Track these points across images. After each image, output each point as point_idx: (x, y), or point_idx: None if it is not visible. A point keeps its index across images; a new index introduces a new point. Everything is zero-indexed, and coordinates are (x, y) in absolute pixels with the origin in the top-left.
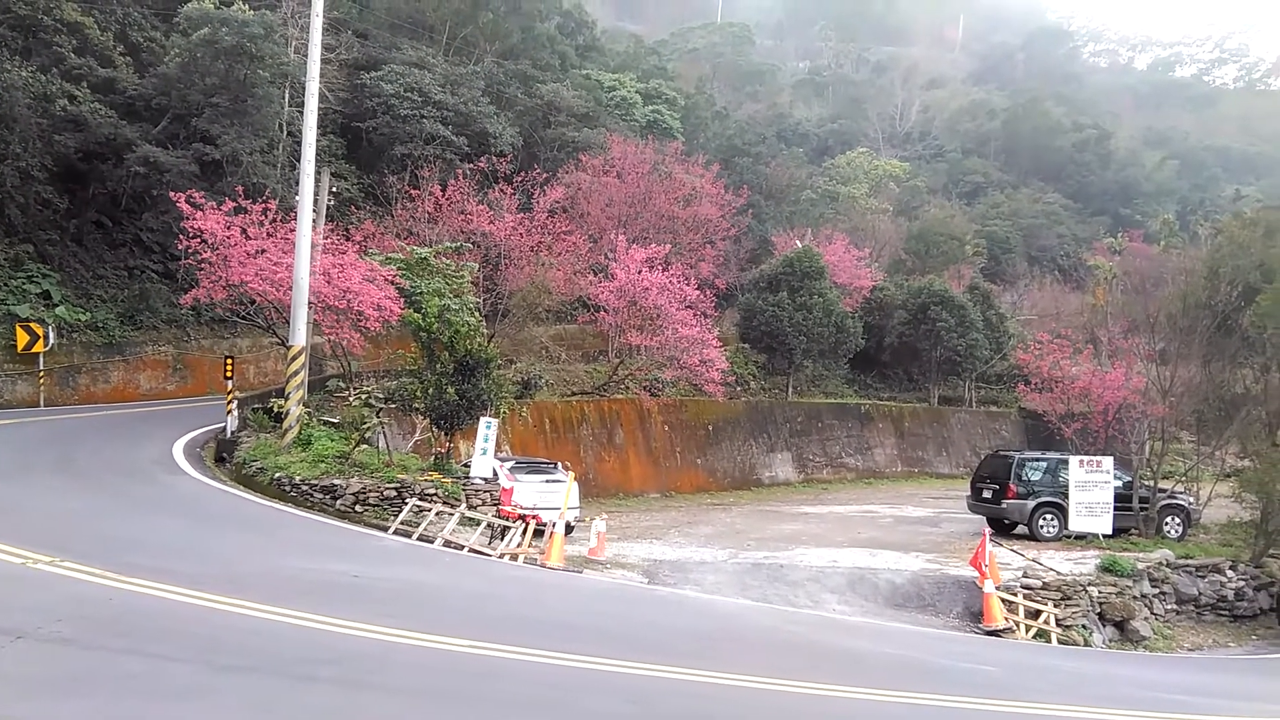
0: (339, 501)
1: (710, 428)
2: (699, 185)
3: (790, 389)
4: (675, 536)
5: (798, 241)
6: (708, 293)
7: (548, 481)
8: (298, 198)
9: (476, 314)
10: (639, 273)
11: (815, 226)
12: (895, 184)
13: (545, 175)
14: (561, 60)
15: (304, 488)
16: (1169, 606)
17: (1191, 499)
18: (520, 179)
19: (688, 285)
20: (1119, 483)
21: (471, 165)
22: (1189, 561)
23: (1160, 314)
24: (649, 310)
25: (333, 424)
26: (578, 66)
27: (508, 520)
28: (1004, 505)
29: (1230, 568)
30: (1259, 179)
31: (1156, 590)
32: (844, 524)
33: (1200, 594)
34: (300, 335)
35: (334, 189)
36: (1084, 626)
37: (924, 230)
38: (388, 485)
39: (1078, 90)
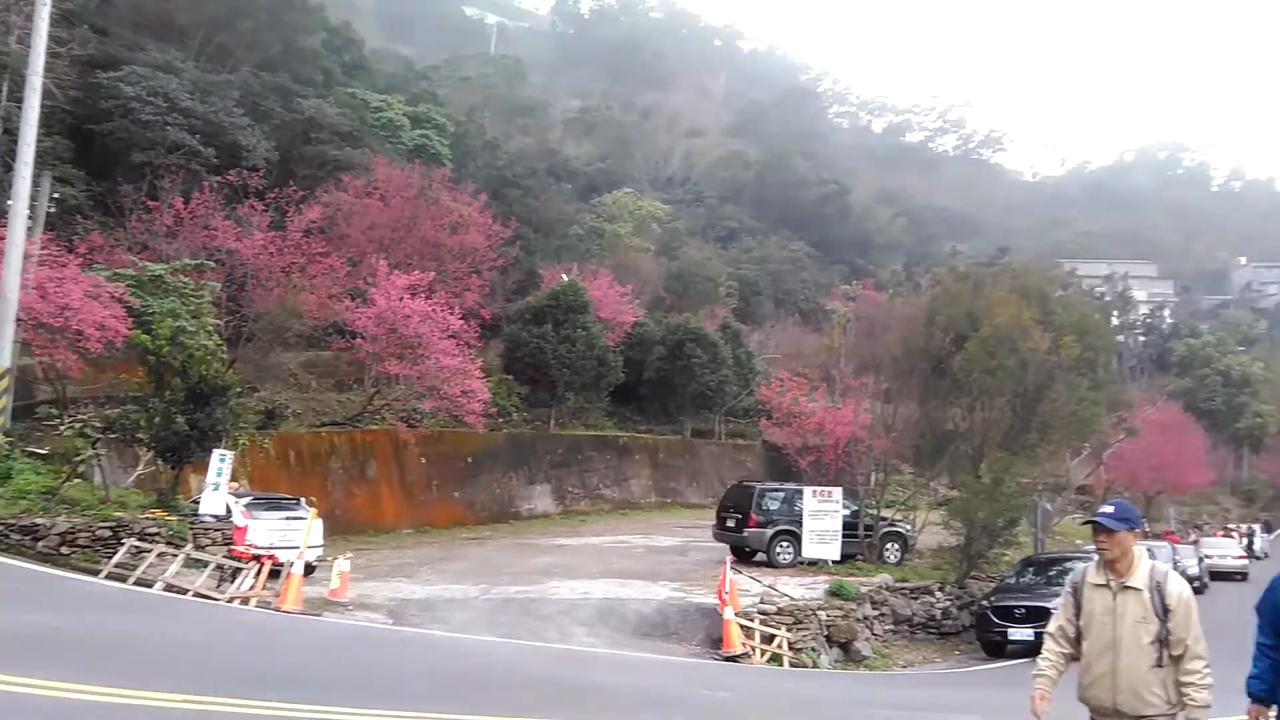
0: (41, 543)
1: (470, 460)
2: (467, 214)
3: (553, 421)
4: (426, 574)
5: (564, 275)
6: (472, 323)
7: (288, 519)
8: (10, 202)
9: (216, 337)
10: (400, 299)
11: (582, 261)
12: (658, 224)
13: (302, 193)
14: (326, 76)
15: None
16: (887, 627)
17: (909, 526)
18: (274, 195)
19: (452, 314)
20: (847, 511)
21: (220, 178)
22: (905, 584)
23: (885, 356)
24: (409, 339)
25: (40, 456)
26: (343, 84)
27: (240, 561)
28: (745, 534)
29: (939, 589)
30: (972, 238)
31: (877, 612)
32: (598, 555)
33: (914, 614)
34: (4, 355)
35: (56, 194)
36: (813, 649)
37: (683, 270)
38: (101, 524)
39: (822, 147)
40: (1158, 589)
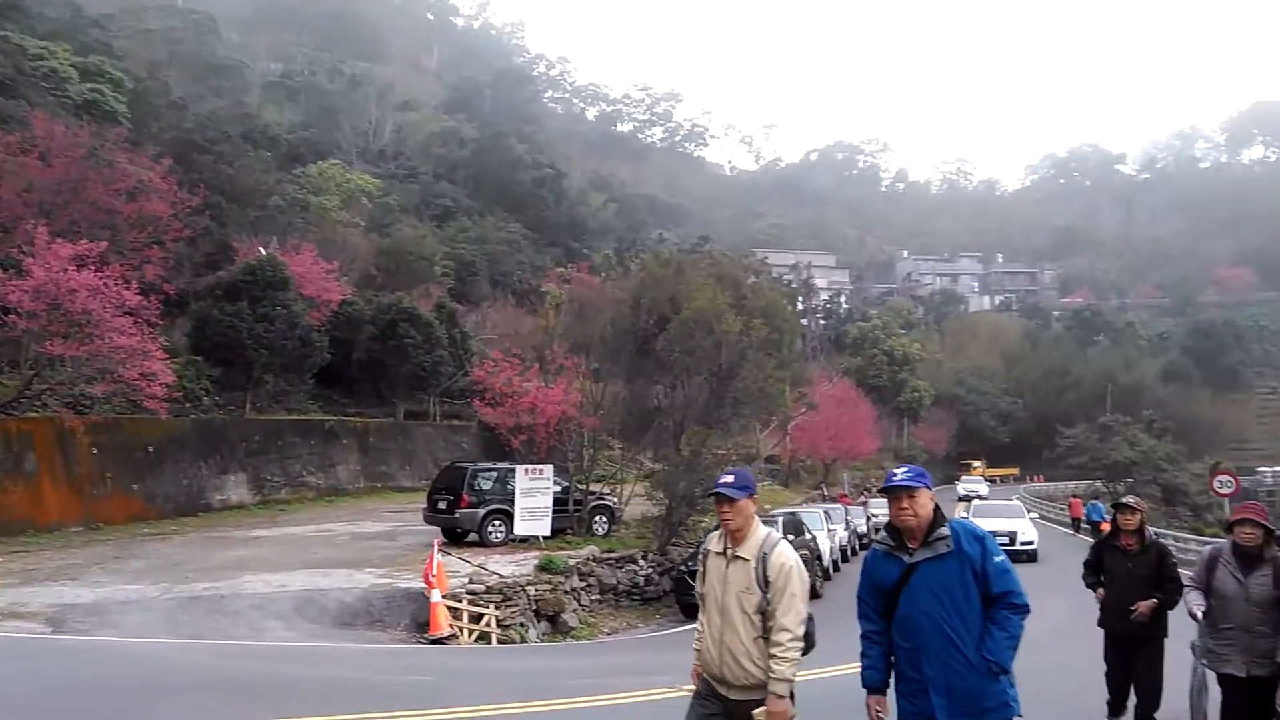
0: None
1: (151, 449)
2: (148, 178)
3: (249, 405)
4: (98, 574)
5: (262, 249)
6: (153, 299)
7: None
8: None
9: None
10: (65, 271)
11: (283, 235)
12: (368, 199)
13: None
14: None
15: None
16: (594, 597)
17: (616, 499)
18: None
19: (128, 289)
20: (559, 488)
21: None
22: (611, 554)
23: (596, 337)
24: (77, 316)
25: None
26: None
27: None
28: (457, 515)
29: (642, 557)
30: (677, 226)
31: (584, 583)
32: (299, 545)
33: (619, 583)
34: None
35: None
36: (522, 624)
37: (395, 248)
38: None
39: (538, 131)
40: (763, 560)
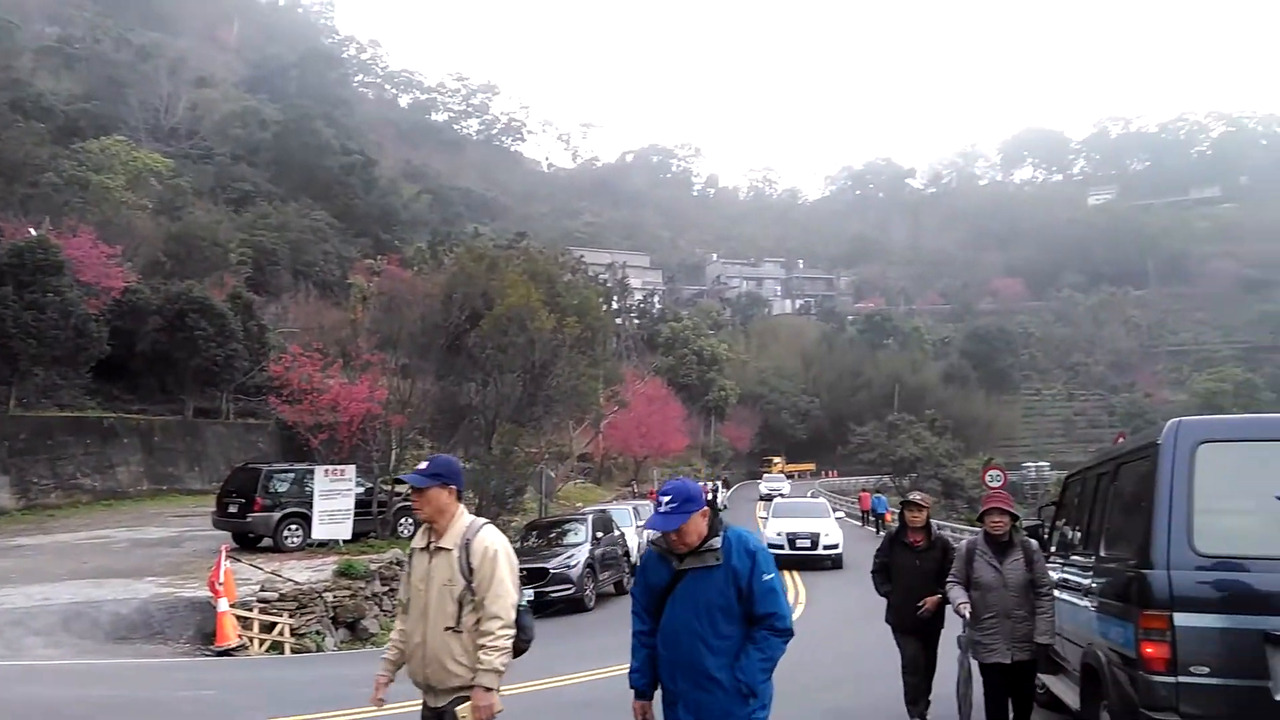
0: None
1: None
2: None
3: (13, 401)
4: None
5: (32, 230)
6: None
7: None
8: None
9: None
10: None
11: (58, 215)
12: (157, 180)
13: None
14: None
15: None
16: (397, 601)
17: None
18: None
19: None
20: (361, 489)
21: None
22: None
23: (405, 332)
24: None
25: None
26: None
27: None
28: (250, 519)
29: None
30: (493, 220)
31: (387, 588)
32: (70, 554)
33: None
34: None
35: None
36: (318, 632)
37: (187, 233)
38: None
39: (347, 116)
40: (465, 547)
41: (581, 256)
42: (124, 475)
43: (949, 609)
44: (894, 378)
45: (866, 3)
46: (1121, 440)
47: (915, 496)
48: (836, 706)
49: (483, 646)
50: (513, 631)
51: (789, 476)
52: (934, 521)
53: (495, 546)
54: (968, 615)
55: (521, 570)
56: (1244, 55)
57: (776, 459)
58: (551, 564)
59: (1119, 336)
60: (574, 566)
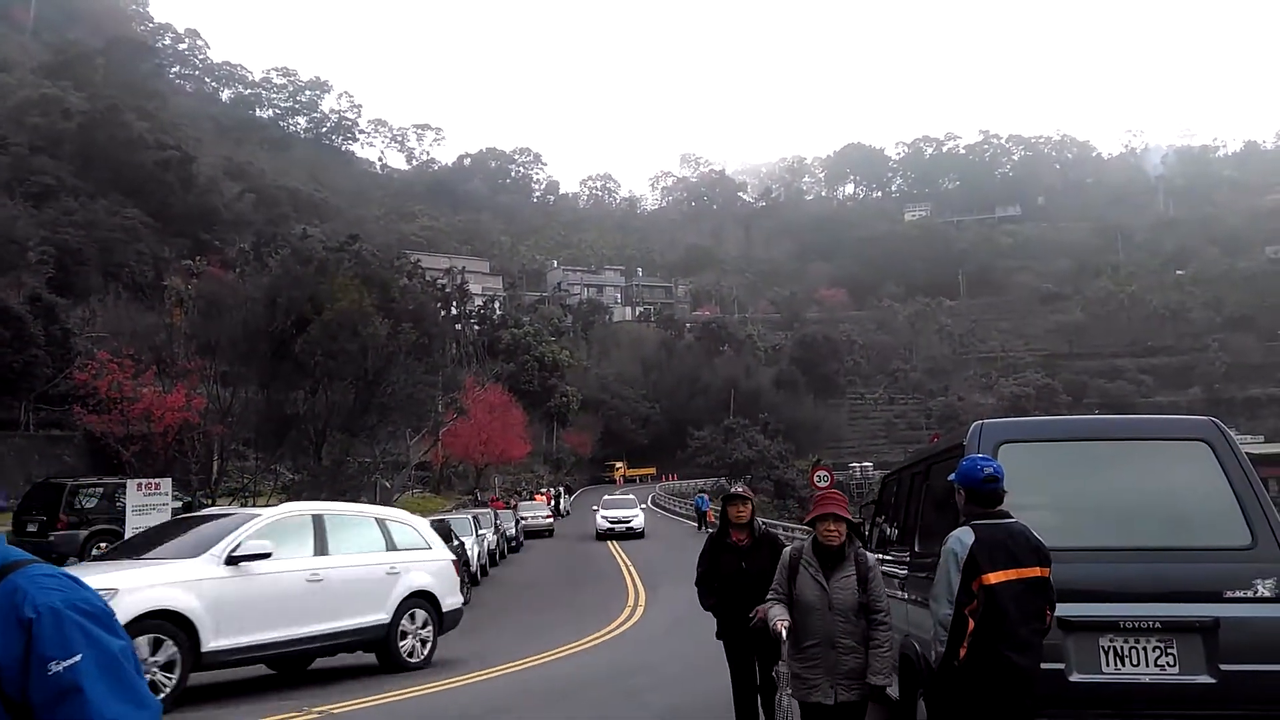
0: None
1: None
2: None
3: None
4: None
5: None
6: None
7: None
8: None
9: None
10: None
11: None
12: None
13: None
14: None
15: None
16: None
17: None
18: None
19: None
20: (179, 504)
21: None
22: None
23: (226, 337)
24: None
25: None
26: None
27: None
28: (52, 538)
29: None
30: (324, 222)
31: None
32: None
33: None
34: None
35: None
36: None
37: None
38: None
39: (162, 108)
40: None
41: (418, 261)
42: None
43: None
44: (730, 383)
45: (697, 16)
46: (935, 441)
47: (738, 489)
48: (670, 705)
49: None
50: None
51: (631, 480)
52: (760, 520)
53: None
54: (785, 638)
55: None
56: (1043, 78)
57: (619, 464)
58: None
59: (934, 344)
60: None
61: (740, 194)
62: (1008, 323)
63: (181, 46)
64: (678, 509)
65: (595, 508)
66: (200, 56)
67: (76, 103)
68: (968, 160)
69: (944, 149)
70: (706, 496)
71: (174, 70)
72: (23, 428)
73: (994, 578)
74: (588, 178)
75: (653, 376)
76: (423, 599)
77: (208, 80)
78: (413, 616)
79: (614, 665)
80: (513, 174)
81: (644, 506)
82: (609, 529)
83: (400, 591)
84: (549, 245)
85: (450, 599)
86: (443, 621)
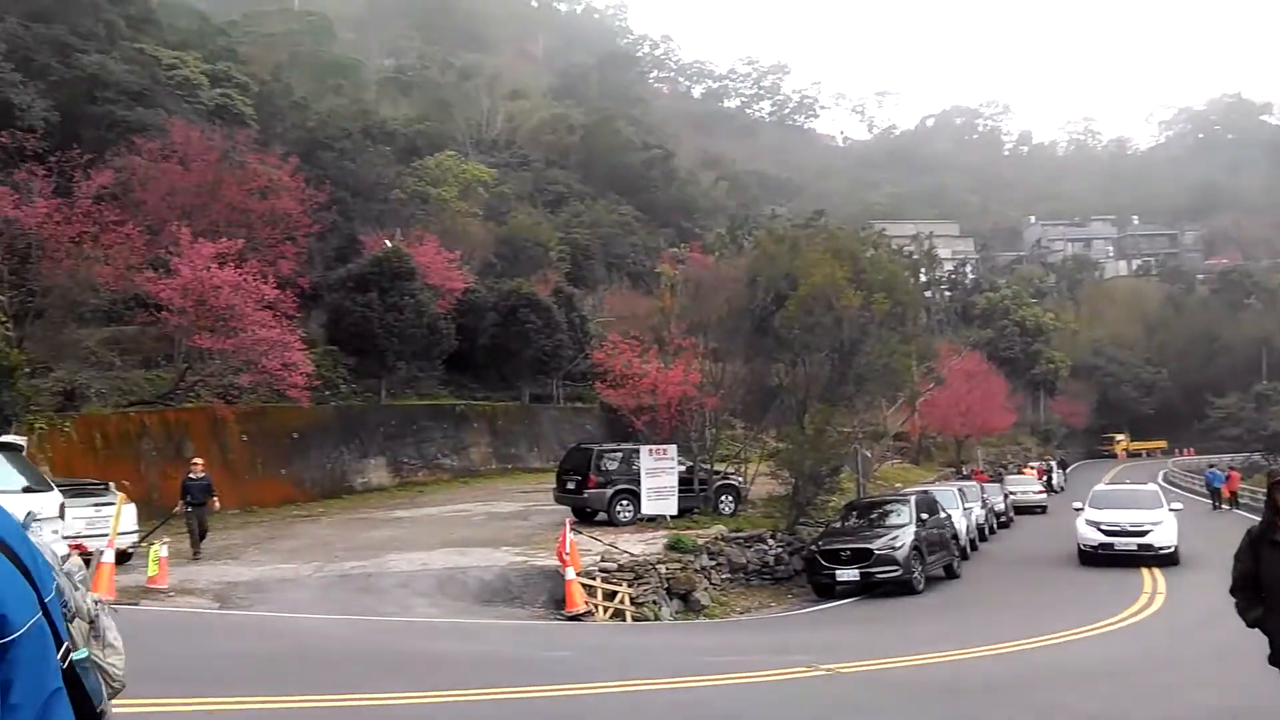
0: None
1: (296, 435)
2: (277, 177)
3: (384, 392)
4: (254, 554)
5: (387, 241)
6: (289, 292)
7: (97, 505)
8: None
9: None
10: (208, 269)
11: (406, 227)
12: (484, 189)
13: (89, 157)
14: (109, 30)
15: None
16: (724, 575)
17: (741, 479)
18: (57, 159)
19: (266, 284)
20: (683, 468)
21: None
22: (739, 534)
23: (712, 317)
24: (221, 310)
25: None
26: (130, 39)
27: None
28: (586, 495)
29: (771, 536)
30: (790, 200)
31: (714, 562)
32: (438, 525)
33: (748, 562)
34: None
35: None
36: (654, 602)
37: (512, 235)
38: None
39: (646, 112)
40: None
41: (884, 230)
42: (475, 455)
43: None
44: (1260, 341)
45: None
46: None
47: None
48: (1224, 707)
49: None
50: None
51: (1136, 455)
52: None
53: None
54: None
55: (845, 550)
56: None
57: (1120, 436)
58: (876, 544)
59: None
60: (899, 548)
61: (1263, 118)
62: None
63: (657, 52)
64: (1182, 484)
65: (1078, 506)
66: (674, 59)
67: (578, 118)
68: None
69: None
70: (1220, 471)
71: (652, 75)
72: (555, 401)
73: None
74: (1065, 123)
75: (1157, 338)
76: None
77: (681, 80)
78: None
79: (1142, 656)
80: (980, 129)
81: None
82: (1104, 545)
83: None
84: (1023, 200)
85: None
86: None
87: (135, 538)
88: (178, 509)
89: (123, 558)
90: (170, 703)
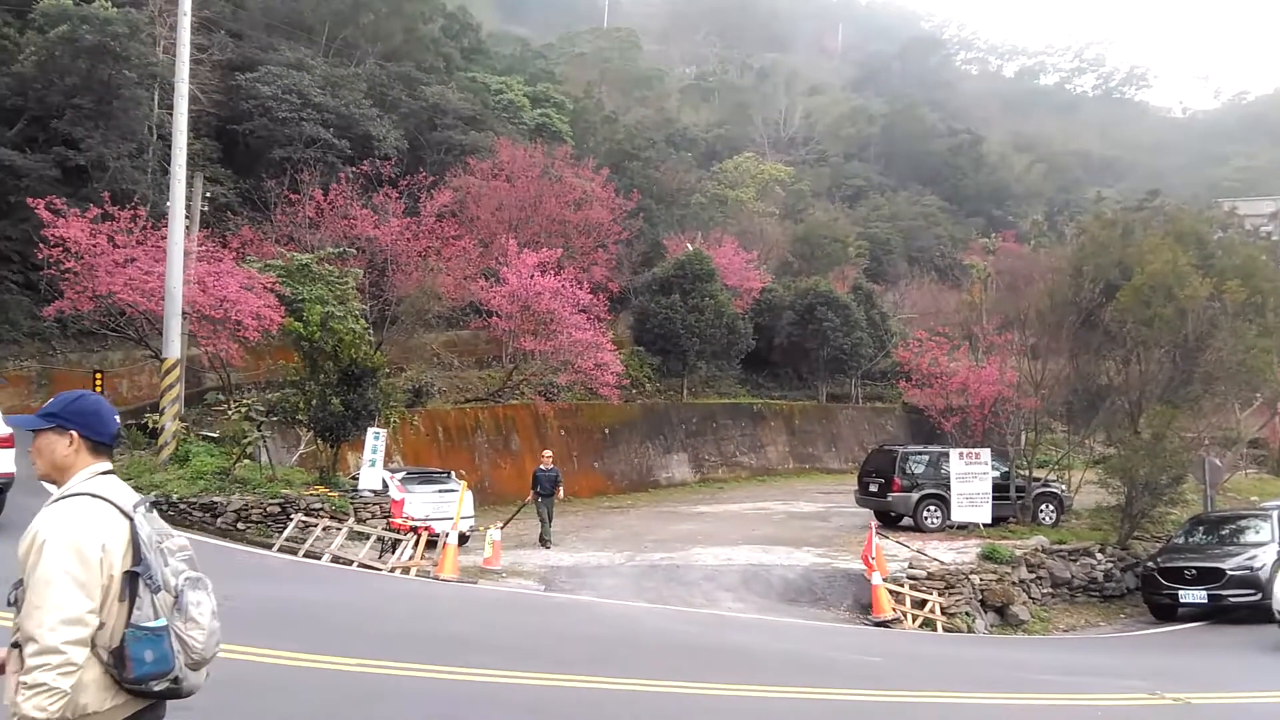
0: (220, 519)
1: (607, 431)
2: (590, 189)
3: (685, 390)
4: (573, 541)
5: (689, 244)
6: (601, 296)
7: (440, 491)
8: (169, 204)
9: (362, 321)
10: (531, 277)
11: (705, 229)
12: (781, 188)
13: (432, 179)
14: (446, 63)
15: (182, 506)
16: (1045, 590)
17: (1064, 486)
18: (406, 183)
19: (580, 289)
20: (997, 473)
21: (354, 169)
22: (1062, 546)
23: (1030, 311)
24: (542, 315)
25: (212, 439)
26: (463, 69)
27: (399, 533)
28: (890, 498)
29: (1099, 550)
30: (1117, 181)
31: (1033, 575)
32: (739, 522)
33: (1073, 577)
34: (174, 347)
35: (209, 194)
36: (967, 613)
37: (809, 233)
38: (271, 501)
39: (951, 96)
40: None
41: (1235, 208)
42: (772, 454)
43: None
44: None
45: None
46: None
47: None
48: None
49: (21, 685)
50: (57, 661)
51: None
52: None
53: (46, 535)
54: None
55: (1190, 569)
56: None
57: None
58: (1228, 564)
59: None
60: (1259, 569)
61: None
62: None
63: (964, 34)
64: None
65: None
66: (981, 40)
67: (878, 108)
68: None
69: None
70: None
71: (959, 58)
72: (852, 400)
73: None
74: None
75: None
76: None
77: (990, 59)
78: None
79: None
80: None
81: None
82: None
83: None
84: None
85: None
86: None
87: (473, 521)
88: (529, 498)
89: (461, 540)
90: (511, 675)
